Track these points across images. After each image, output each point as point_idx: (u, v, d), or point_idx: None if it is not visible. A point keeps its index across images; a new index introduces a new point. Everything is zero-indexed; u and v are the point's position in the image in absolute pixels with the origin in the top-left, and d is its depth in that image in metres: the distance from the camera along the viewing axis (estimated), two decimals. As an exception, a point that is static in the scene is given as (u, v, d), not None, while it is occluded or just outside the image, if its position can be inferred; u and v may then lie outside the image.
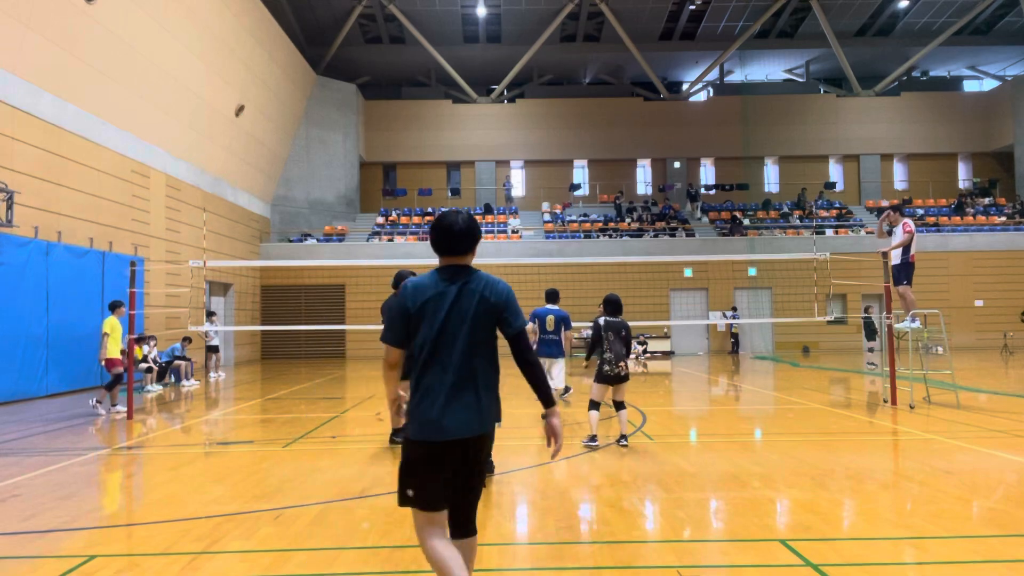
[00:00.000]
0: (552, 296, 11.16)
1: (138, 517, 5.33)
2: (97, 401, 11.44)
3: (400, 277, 7.47)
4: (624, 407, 7.75)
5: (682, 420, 9.86)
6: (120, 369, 11.42)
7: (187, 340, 16.89)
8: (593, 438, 7.57)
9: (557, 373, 10.87)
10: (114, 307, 11.78)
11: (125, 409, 11.01)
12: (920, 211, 31.65)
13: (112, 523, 5.13)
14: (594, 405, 7.62)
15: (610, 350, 7.41)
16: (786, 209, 32.14)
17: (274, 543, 4.53)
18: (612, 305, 7.48)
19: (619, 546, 4.41)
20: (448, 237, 3.12)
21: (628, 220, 30.79)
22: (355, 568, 4.09)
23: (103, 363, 11.57)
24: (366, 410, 11.29)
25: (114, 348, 11.47)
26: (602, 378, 7.50)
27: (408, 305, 3.07)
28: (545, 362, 10.66)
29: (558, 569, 4.05)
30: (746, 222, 30.52)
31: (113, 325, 11.56)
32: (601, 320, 7.52)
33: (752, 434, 8.87)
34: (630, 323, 7.72)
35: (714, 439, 8.23)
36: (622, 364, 7.41)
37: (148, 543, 4.62)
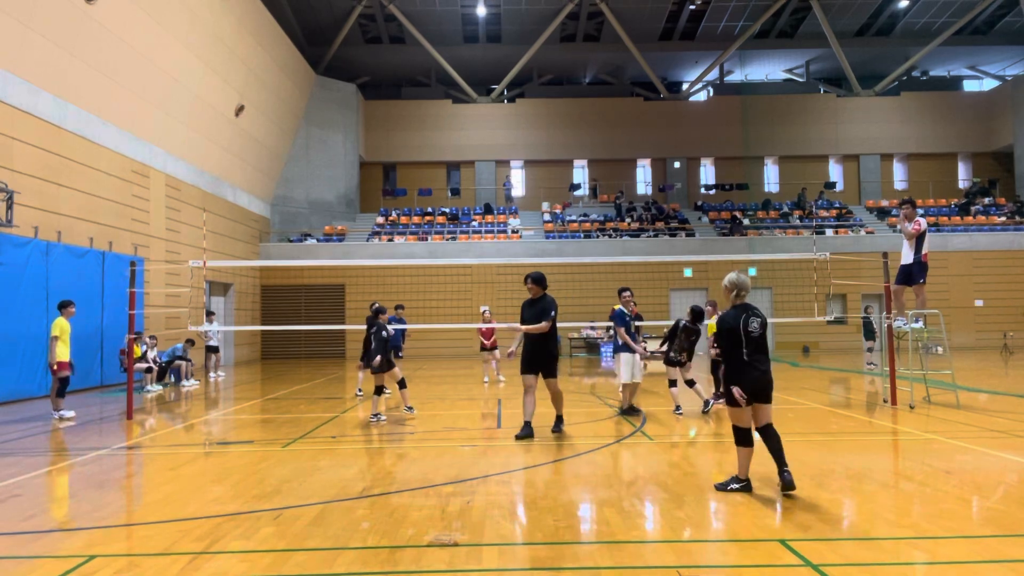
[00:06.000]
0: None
1: (138, 517, 5.33)
2: (57, 412, 10.75)
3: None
4: (694, 383, 10.46)
5: (682, 420, 9.87)
6: (68, 372, 10.87)
7: (190, 342, 16.88)
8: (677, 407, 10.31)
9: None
10: (62, 307, 11.04)
11: (72, 414, 10.82)
12: (920, 211, 31.63)
13: (112, 523, 5.12)
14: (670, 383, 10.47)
15: (678, 343, 9.77)
16: (786, 209, 32.13)
17: (274, 543, 4.53)
18: (694, 313, 9.80)
19: (619, 546, 4.41)
20: None
21: (628, 220, 30.78)
22: (355, 568, 4.08)
23: (53, 367, 10.74)
24: (367, 410, 11.29)
25: (63, 351, 10.81)
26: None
27: None
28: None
29: (558, 569, 4.04)
30: (746, 222, 30.51)
31: (62, 327, 10.86)
32: (680, 323, 9.77)
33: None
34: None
35: (714, 439, 8.23)
36: (684, 354, 9.88)
37: (148, 543, 4.62)
